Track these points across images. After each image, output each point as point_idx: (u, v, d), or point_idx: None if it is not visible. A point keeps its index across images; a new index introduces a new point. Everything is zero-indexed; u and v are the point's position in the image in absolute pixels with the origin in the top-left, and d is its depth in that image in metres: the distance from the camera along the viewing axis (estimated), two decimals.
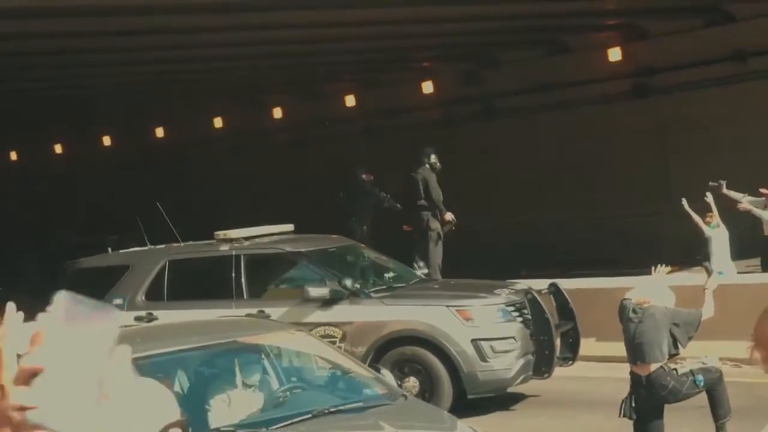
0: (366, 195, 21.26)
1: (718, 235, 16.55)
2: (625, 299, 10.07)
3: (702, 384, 9.88)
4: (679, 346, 9.86)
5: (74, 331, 1.40)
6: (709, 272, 10.44)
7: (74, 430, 1.36)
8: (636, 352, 9.82)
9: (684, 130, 22.65)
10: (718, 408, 10.06)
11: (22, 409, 1.37)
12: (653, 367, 9.70)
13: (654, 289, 10.09)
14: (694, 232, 16.86)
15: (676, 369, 9.80)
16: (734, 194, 16.58)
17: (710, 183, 16.54)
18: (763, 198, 16.72)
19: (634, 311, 9.85)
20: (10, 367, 1.40)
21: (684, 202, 16.72)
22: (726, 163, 20.06)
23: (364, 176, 21.48)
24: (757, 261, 17.65)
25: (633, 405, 9.81)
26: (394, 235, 18.33)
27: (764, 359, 3.77)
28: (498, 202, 24.82)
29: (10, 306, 1.44)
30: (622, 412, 9.90)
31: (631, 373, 9.90)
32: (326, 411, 8.06)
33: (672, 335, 9.81)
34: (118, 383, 1.43)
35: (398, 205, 20.05)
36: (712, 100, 22.08)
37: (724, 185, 16.47)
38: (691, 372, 9.92)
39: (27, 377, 1.38)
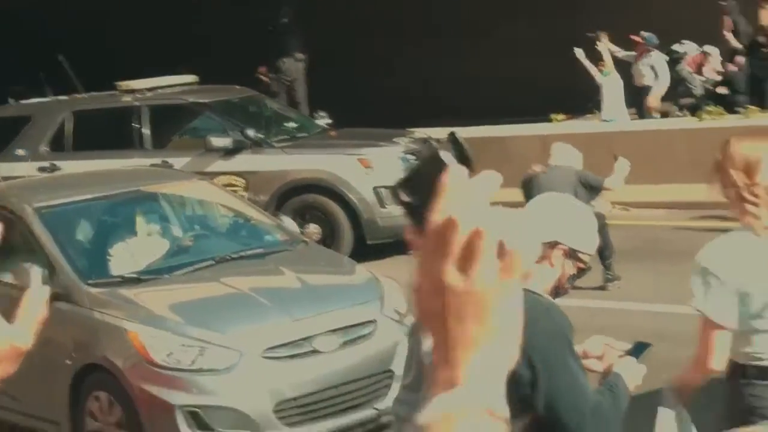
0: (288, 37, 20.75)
1: (610, 82, 16.86)
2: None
3: None
4: None
5: None
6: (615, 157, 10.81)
7: None
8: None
9: None
10: (604, 249, 10.57)
11: None
12: None
13: (563, 151, 10.46)
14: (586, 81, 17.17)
15: None
16: (611, 47, 16.99)
17: (587, 33, 16.84)
18: (634, 52, 17.22)
19: (542, 168, 10.23)
20: None
21: (577, 50, 16.98)
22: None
23: (285, 20, 20.63)
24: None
25: None
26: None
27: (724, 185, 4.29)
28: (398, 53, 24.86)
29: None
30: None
31: None
32: (228, 257, 8.30)
33: (576, 195, 10.21)
34: None
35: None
36: None
37: (603, 37, 16.83)
38: None
39: None
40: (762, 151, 4.24)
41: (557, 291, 3.71)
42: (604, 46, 16.94)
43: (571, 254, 3.65)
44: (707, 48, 18.03)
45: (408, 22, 25.10)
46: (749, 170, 4.19)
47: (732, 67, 17.67)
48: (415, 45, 24.68)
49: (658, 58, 17.11)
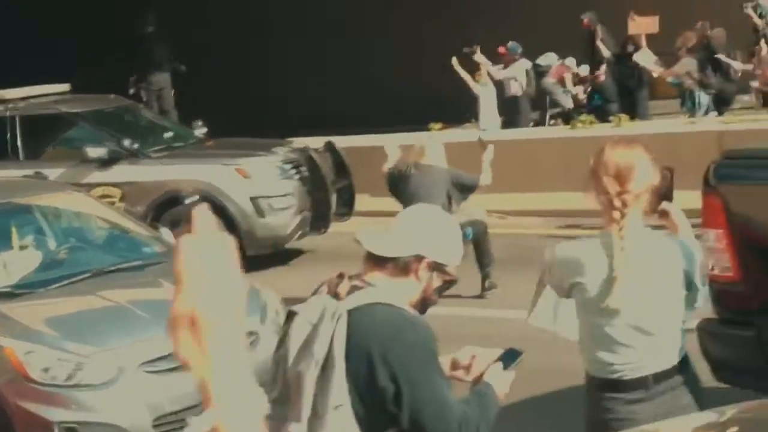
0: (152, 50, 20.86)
1: (487, 92, 17.15)
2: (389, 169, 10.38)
3: (470, 236, 10.44)
4: (453, 206, 10.26)
5: None
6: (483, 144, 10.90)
7: None
8: (412, 204, 10.21)
9: None
10: (483, 257, 10.69)
11: None
12: None
13: (435, 150, 10.46)
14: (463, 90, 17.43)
15: None
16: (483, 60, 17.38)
17: (464, 49, 17.14)
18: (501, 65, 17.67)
19: (415, 167, 10.19)
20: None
21: (454, 60, 17.23)
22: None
23: (150, 29, 20.87)
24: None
25: None
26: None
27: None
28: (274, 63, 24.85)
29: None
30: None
31: None
32: (105, 270, 8.20)
33: (448, 196, 10.28)
34: None
35: (182, 67, 19.82)
36: None
37: (478, 50, 17.15)
38: (461, 225, 10.46)
39: None
40: (635, 158, 4.24)
41: (424, 303, 3.69)
42: (481, 57, 17.24)
43: (436, 267, 3.65)
44: (567, 60, 18.71)
45: (290, 30, 25.08)
46: (621, 177, 4.18)
47: (601, 77, 18.16)
48: (297, 53, 24.69)
49: (521, 68, 17.53)
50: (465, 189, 10.30)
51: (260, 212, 12.52)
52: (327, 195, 13.05)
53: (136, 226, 9.44)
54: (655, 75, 17.94)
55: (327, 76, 24.06)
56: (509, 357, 3.79)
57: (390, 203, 15.26)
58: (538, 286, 5.04)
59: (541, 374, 8.19)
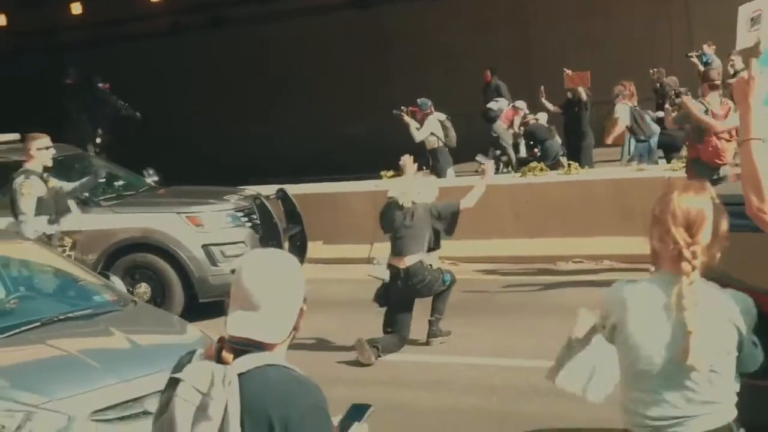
0: (103, 103, 21.05)
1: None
2: (389, 197, 10.53)
3: (448, 282, 10.52)
4: (442, 237, 10.46)
5: None
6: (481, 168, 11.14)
7: None
8: (397, 246, 10.33)
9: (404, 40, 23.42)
10: (441, 303, 10.72)
11: None
12: (413, 260, 10.24)
13: (416, 186, 10.56)
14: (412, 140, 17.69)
15: (431, 264, 10.40)
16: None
17: (394, 111, 17.53)
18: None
19: (399, 207, 10.32)
20: None
21: (400, 112, 17.64)
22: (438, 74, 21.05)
23: (100, 85, 21.28)
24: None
25: (387, 295, 10.40)
26: (128, 144, 18.26)
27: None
28: (228, 112, 24.92)
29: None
30: (376, 298, 10.50)
31: (390, 265, 10.38)
32: (55, 318, 8.11)
33: (434, 230, 10.40)
34: None
35: (137, 114, 19.93)
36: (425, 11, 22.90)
37: (404, 113, 17.55)
38: (440, 270, 10.56)
39: None
40: (705, 207, 3.94)
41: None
42: (407, 118, 17.71)
43: (302, 312, 3.55)
44: (517, 103, 19.49)
45: (242, 79, 25.17)
46: (691, 228, 3.89)
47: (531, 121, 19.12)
48: (248, 101, 24.78)
49: (435, 120, 17.89)
50: (447, 215, 10.40)
51: (212, 260, 12.51)
52: (279, 242, 13.05)
53: (87, 275, 9.36)
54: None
55: (278, 124, 24.16)
56: (357, 413, 3.76)
57: (342, 250, 15.37)
58: (567, 348, 4.91)
59: (502, 417, 8.21)
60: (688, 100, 12.91)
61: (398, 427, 8.14)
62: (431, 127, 17.70)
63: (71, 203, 12.18)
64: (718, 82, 12.52)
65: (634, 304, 3.95)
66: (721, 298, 3.94)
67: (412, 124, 17.45)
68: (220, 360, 3.39)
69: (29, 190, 11.15)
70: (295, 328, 3.50)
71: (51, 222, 11.35)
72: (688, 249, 3.84)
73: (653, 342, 3.89)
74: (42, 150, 11.44)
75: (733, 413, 3.96)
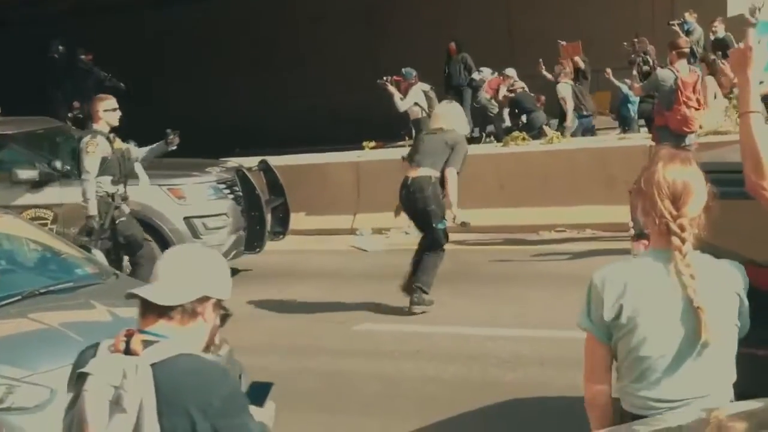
0: (86, 75, 20.94)
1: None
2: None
3: (442, 227, 10.57)
4: (447, 166, 10.55)
5: None
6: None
7: None
8: (414, 157, 10.68)
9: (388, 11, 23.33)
10: (423, 274, 10.68)
11: None
12: (421, 172, 10.47)
13: (453, 117, 10.98)
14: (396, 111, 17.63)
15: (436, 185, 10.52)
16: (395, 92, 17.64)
17: (378, 81, 17.40)
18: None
19: (422, 130, 10.83)
20: None
21: (379, 82, 17.55)
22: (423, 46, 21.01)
23: (83, 57, 21.15)
24: None
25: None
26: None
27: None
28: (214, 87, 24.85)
29: None
30: (396, 211, 10.85)
31: (406, 177, 10.66)
32: (37, 292, 8.08)
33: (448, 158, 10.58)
34: None
35: (121, 84, 19.81)
36: None
37: (389, 82, 17.45)
38: (446, 214, 10.66)
39: None
40: (692, 179, 3.78)
41: (208, 346, 3.60)
42: (391, 88, 17.59)
43: (217, 304, 3.57)
44: (507, 71, 19.58)
45: (225, 49, 25.08)
46: (677, 201, 3.74)
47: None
48: (232, 72, 24.69)
49: (418, 91, 17.81)
50: (458, 153, 10.62)
51: (195, 232, 12.47)
52: (262, 214, 13.02)
53: (68, 248, 9.33)
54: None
55: (262, 95, 24.09)
56: (260, 391, 3.76)
57: (325, 221, 15.36)
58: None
59: (486, 386, 8.23)
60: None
61: (380, 397, 8.15)
62: (415, 97, 17.66)
63: (138, 168, 12.18)
64: (686, 50, 12.70)
65: (634, 286, 3.75)
66: (722, 268, 3.80)
67: (396, 94, 17.36)
68: (128, 352, 3.37)
69: (94, 149, 11.21)
70: (202, 317, 3.49)
71: (114, 183, 11.41)
72: (675, 222, 3.70)
73: (662, 323, 3.72)
74: (109, 111, 11.47)
75: (731, 392, 3.81)
